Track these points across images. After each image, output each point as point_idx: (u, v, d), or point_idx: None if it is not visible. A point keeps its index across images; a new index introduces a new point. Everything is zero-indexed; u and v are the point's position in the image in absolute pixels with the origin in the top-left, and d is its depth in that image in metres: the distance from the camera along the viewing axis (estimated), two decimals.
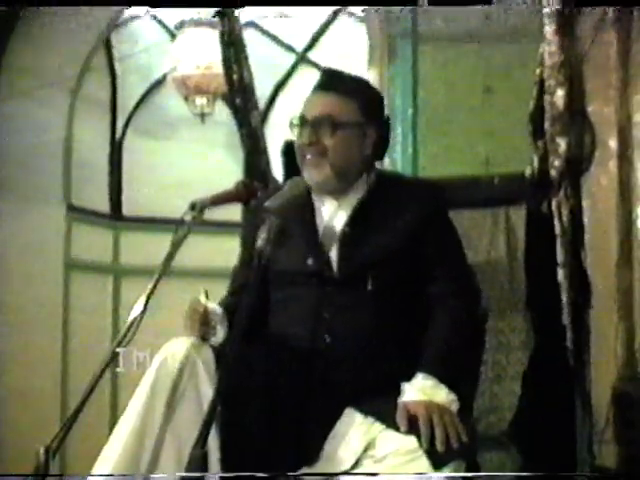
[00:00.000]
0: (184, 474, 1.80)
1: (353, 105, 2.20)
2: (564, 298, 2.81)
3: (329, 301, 2.15)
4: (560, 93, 2.89)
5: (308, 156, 2.19)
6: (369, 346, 2.10)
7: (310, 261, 2.18)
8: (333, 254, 2.18)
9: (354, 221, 2.20)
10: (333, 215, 2.23)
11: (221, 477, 1.99)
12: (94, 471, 2.05)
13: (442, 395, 1.99)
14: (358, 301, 2.13)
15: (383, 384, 2.03)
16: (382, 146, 2.28)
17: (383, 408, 1.98)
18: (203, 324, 2.17)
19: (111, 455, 2.04)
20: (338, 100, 2.20)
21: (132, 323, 2.05)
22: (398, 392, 2.01)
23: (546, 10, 2.88)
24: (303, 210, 2.22)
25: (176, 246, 2.17)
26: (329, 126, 2.17)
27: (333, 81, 2.25)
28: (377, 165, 2.33)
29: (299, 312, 2.17)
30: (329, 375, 2.08)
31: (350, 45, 5.06)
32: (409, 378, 2.03)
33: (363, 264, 2.15)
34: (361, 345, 2.10)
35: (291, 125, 2.22)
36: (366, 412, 2.00)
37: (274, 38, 5.63)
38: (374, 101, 2.27)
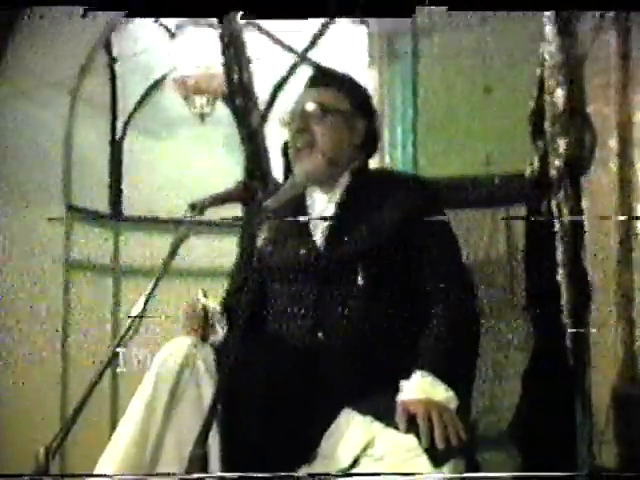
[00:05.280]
0: (184, 474, 1.80)
1: (340, 95, 2.26)
2: (564, 298, 2.81)
3: (321, 297, 2.15)
4: (560, 93, 2.89)
5: (298, 144, 2.22)
6: (362, 343, 2.11)
7: (302, 252, 2.20)
8: (322, 246, 2.19)
9: (340, 212, 2.21)
10: (323, 208, 2.25)
11: (221, 477, 1.99)
12: (96, 471, 2.05)
13: (440, 393, 1.99)
14: (349, 296, 2.14)
15: (380, 381, 2.03)
16: (371, 140, 2.31)
17: (381, 406, 1.98)
18: (202, 323, 2.18)
19: (113, 455, 2.04)
20: (326, 91, 2.26)
21: (132, 323, 2.06)
22: (396, 390, 2.01)
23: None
24: (297, 207, 2.24)
25: (176, 246, 2.18)
26: (318, 113, 2.22)
27: (320, 77, 2.32)
28: (376, 165, 2.34)
29: (294, 309, 2.18)
30: (324, 372, 2.08)
31: (350, 45, 5.06)
32: (406, 375, 2.03)
33: (349, 255, 2.15)
34: (353, 342, 2.11)
35: (281, 123, 2.26)
36: (364, 411, 2.00)
37: (274, 37, 5.62)
38: (361, 94, 2.33)
